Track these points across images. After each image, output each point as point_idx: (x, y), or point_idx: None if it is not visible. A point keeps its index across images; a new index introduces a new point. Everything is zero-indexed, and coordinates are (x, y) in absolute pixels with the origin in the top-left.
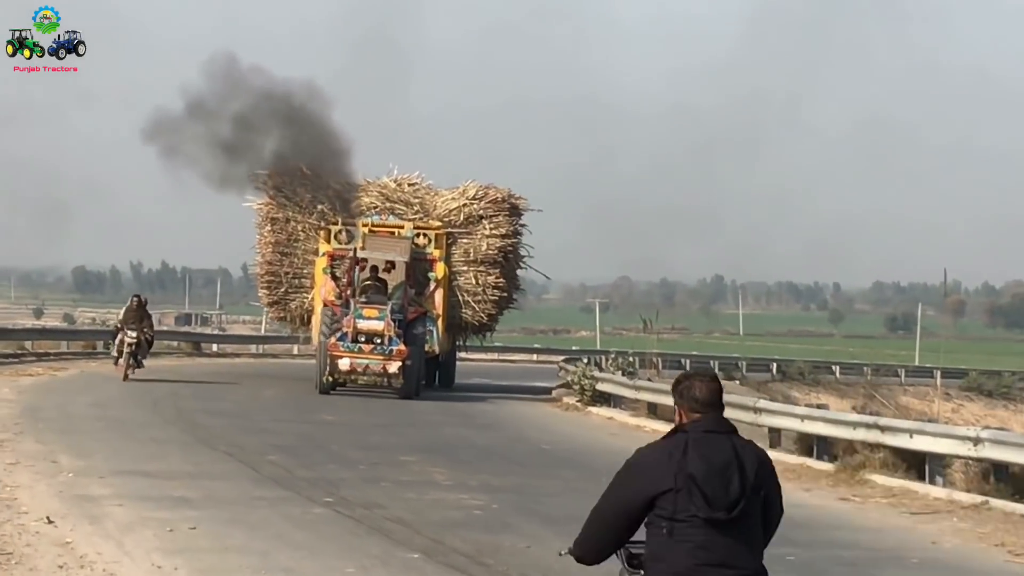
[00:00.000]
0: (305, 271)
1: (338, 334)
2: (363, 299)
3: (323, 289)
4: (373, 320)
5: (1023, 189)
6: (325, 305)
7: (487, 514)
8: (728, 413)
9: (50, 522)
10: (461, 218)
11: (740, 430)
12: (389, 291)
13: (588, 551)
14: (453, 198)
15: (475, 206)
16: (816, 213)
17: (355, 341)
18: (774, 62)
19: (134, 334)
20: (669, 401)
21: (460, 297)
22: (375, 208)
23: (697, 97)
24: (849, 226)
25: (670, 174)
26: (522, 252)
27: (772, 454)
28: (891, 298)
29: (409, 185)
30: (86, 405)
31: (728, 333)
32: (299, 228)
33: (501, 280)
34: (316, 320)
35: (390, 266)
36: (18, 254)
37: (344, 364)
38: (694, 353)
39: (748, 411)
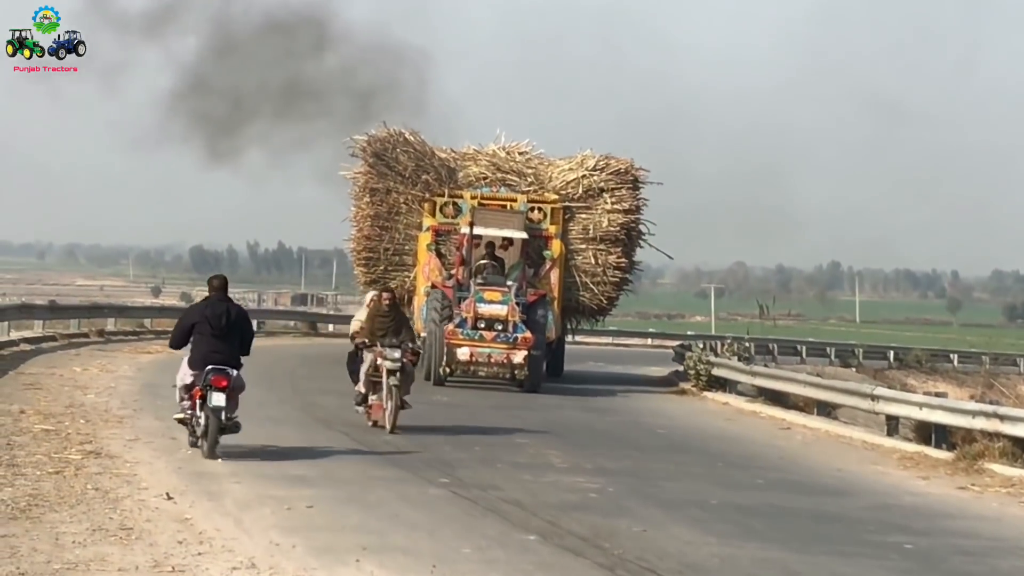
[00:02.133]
0: (407, 247)
1: (456, 319)
2: (480, 280)
3: (426, 268)
4: (496, 304)
5: None
6: (433, 286)
7: (603, 497)
8: (844, 400)
9: (169, 498)
10: (580, 191)
11: (856, 417)
12: (506, 271)
13: (175, 342)
14: (571, 168)
15: (595, 178)
16: (939, 198)
17: (475, 328)
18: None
19: (397, 355)
20: (786, 387)
21: (578, 278)
22: (484, 179)
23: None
24: (968, 213)
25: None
26: (642, 229)
27: (890, 442)
28: (1011, 287)
29: (520, 154)
30: None
31: (844, 320)
32: (401, 200)
33: (623, 260)
34: (419, 302)
35: (507, 243)
36: (136, 232)
37: (463, 354)
38: (810, 339)
39: (865, 398)
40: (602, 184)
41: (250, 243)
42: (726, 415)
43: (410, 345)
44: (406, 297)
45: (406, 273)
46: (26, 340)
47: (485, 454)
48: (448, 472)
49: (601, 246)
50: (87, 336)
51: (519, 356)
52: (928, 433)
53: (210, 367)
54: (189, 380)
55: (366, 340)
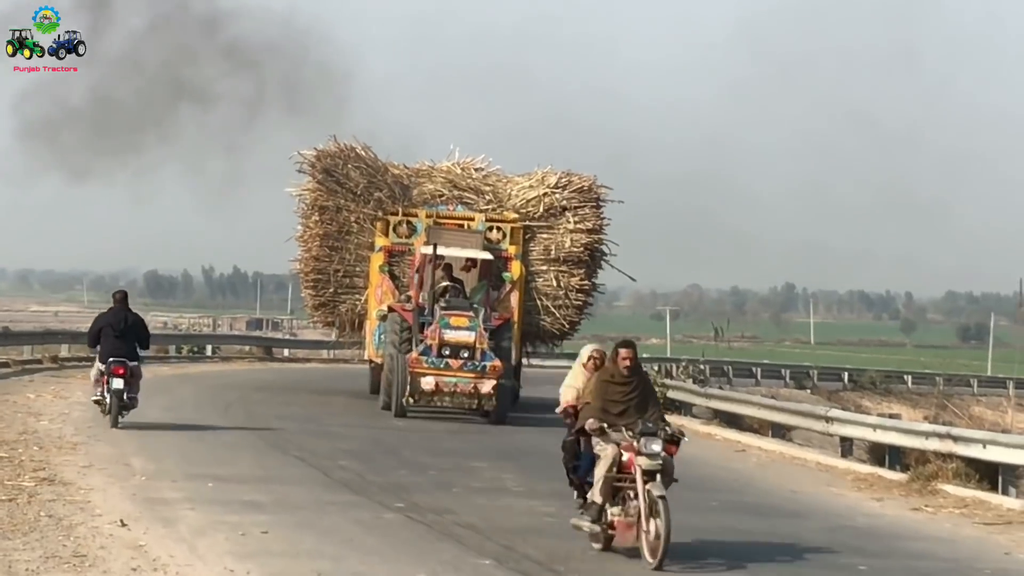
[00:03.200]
0: (358, 269)
1: (420, 347)
2: (443, 304)
3: (379, 290)
4: (463, 331)
5: None
6: (391, 310)
7: (558, 520)
8: (798, 422)
9: (123, 525)
10: (540, 209)
11: (811, 439)
12: (468, 294)
13: (89, 341)
14: (531, 186)
15: (557, 196)
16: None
17: (440, 355)
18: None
19: (656, 448)
20: (741, 410)
21: (538, 301)
22: (440, 197)
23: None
24: (924, 235)
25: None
26: (604, 249)
27: (844, 463)
28: (964, 308)
29: (476, 170)
30: (158, 408)
31: (799, 341)
32: (352, 219)
33: (586, 282)
34: (370, 326)
35: (470, 265)
36: (90, 257)
37: (428, 383)
38: (765, 361)
39: (819, 420)
40: (564, 202)
41: (205, 267)
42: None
43: (668, 430)
44: (356, 321)
45: (357, 296)
46: None
47: (440, 478)
48: (403, 497)
49: (563, 267)
50: (40, 362)
51: (487, 385)
52: (882, 454)
53: (111, 359)
54: (98, 371)
55: (600, 423)
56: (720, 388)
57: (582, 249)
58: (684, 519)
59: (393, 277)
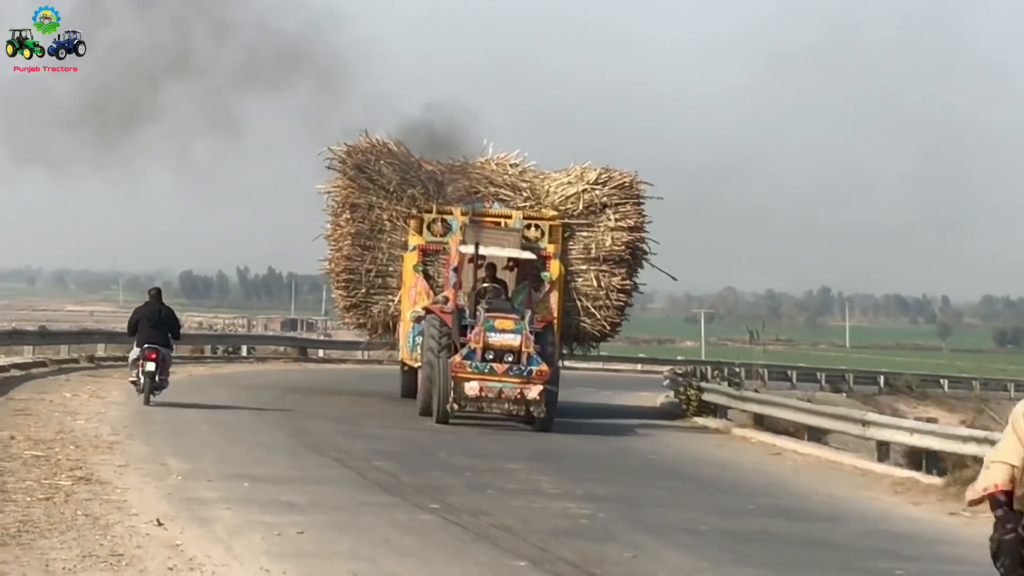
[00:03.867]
0: (391, 268)
1: (464, 351)
2: (484, 306)
3: (412, 290)
4: (508, 334)
5: None
6: (428, 311)
7: (593, 523)
8: (834, 425)
9: (160, 524)
10: (580, 206)
11: (847, 443)
12: (510, 295)
13: (129, 331)
14: (569, 182)
15: (597, 192)
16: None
17: (484, 360)
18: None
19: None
20: (776, 413)
21: (578, 302)
22: (476, 194)
23: None
24: (959, 237)
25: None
26: (645, 248)
27: (880, 467)
28: (1001, 312)
29: (511, 166)
30: (193, 410)
31: (834, 345)
32: (384, 217)
33: (627, 282)
34: (404, 328)
35: (513, 264)
36: (127, 258)
37: (472, 388)
38: (800, 364)
39: (855, 423)
40: (604, 199)
41: (240, 268)
42: (717, 441)
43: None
44: (390, 323)
45: (390, 297)
46: (16, 366)
47: (475, 480)
48: (438, 498)
49: (604, 267)
50: (77, 362)
51: (534, 391)
52: (919, 459)
53: (146, 346)
54: (135, 355)
55: None
56: (755, 391)
57: (623, 248)
58: (719, 523)
59: (427, 277)
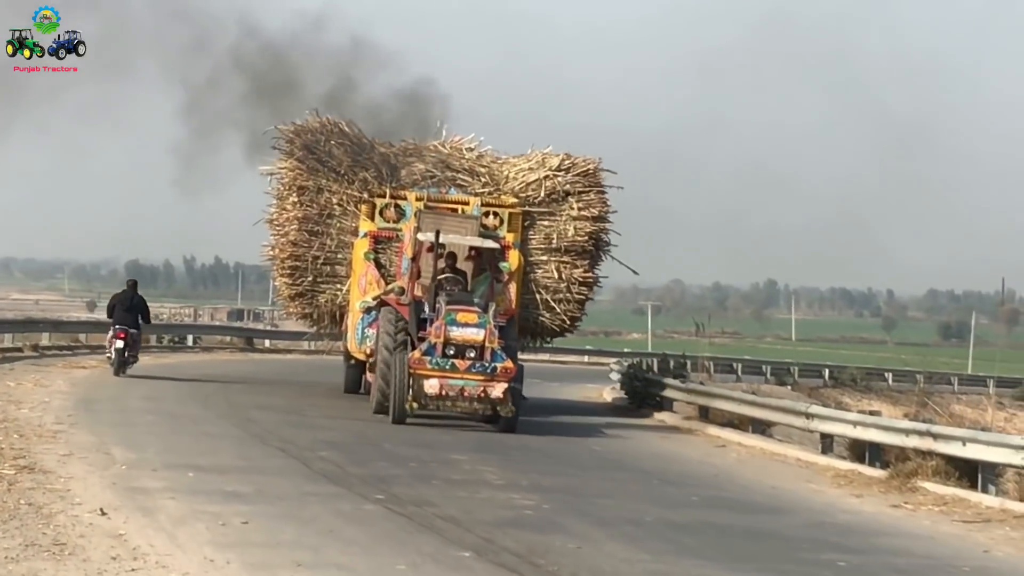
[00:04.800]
0: (340, 256)
1: (424, 346)
2: (445, 298)
3: (363, 279)
4: (471, 328)
5: None
6: (383, 303)
7: (538, 514)
8: (779, 418)
9: (103, 514)
10: (541, 194)
11: (791, 435)
12: (471, 287)
13: (108, 314)
14: (530, 168)
15: (559, 179)
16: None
17: (445, 356)
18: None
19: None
20: (721, 405)
21: (537, 295)
22: (432, 178)
23: None
24: (908, 231)
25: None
26: (607, 239)
27: (824, 459)
28: (945, 306)
29: (467, 150)
30: (139, 398)
31: (780, 338)
32: (335, 201)
33: (589, 275)
34: (353, 319)
35: (474, 254)
36: (72, 246)
37: (432, 387)
38: (746, 357)
39: (800, 416)
40: (567, 187)
41: (187, 258)
42: (662, 433)
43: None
44: (337, 314)
45: (338, 286)
46: None
47: (420, 470)
48: (383, 488)
49: (565, 258)
50: (21, 351)
51: (498, 389)
52: (862, 451)
53: (117, 326)
54: (111, 335)
55: None
56: (701, 383)
57: (586, 238)
58: (663, 514)
59: (379, 266)
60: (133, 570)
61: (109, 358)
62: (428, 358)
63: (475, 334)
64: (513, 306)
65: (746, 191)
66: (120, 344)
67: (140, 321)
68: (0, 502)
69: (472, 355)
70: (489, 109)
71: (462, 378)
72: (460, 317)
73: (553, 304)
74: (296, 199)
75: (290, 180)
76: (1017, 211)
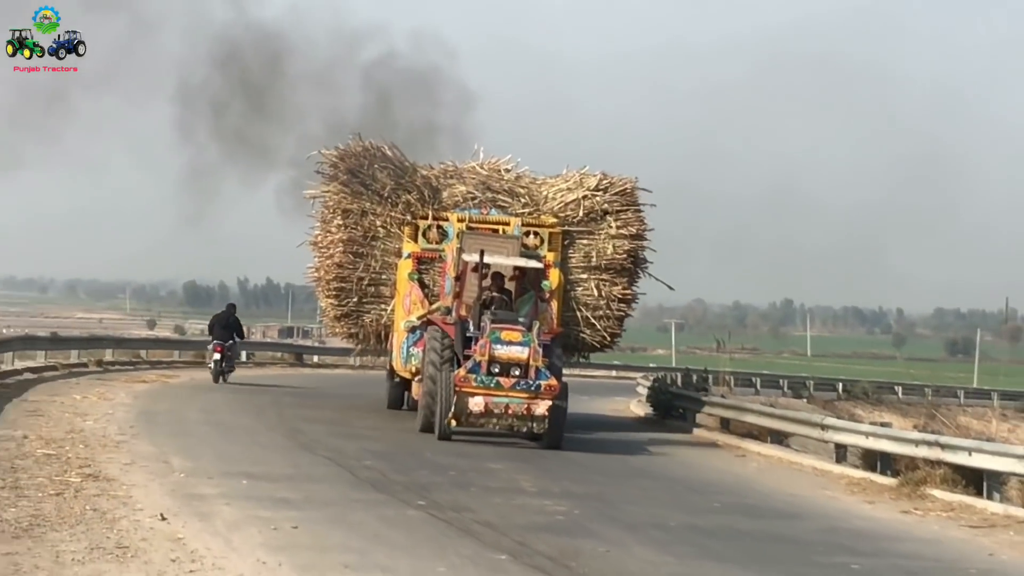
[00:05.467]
0: (384, 277)
1: (469, 364)
2: (490, 317)
3: (407, 299)
4: (515, 346)
5: None
6: (430, 322)
7: (569, 519)
8: (796, 429)
9: (163, 519)
10: (580, 213)
11: (807, 445)
12: (515, 306)
13: (209, 331)
14: (568, 188)
15: (598, 199)
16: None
17: (490, 373)
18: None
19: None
20: (742, 417)
21: (578, 312)
22: (473, 200)
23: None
24: (914, 253)
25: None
26: (645, 257)
27: (838, 468)
28: (951, 323)
29: (505, 171)
30: (195, 410)
31: (796, 354)
32: (378, 223)
33: (628, 292)
34: (398, 339)
35: (519, 274)
36: (133, 268)
37: (477, 404)
38: (764, 372)
39: (815, 427)
40: (605, 206)
41: (240, 279)
42: (686, 443)
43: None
44: (382, 333)
45: (382, 306)
46: (29, 369)
47: (459, 478)
48: (424, 495)
49: (604, 276)
50: (86, 366)
51: (542, 407)
52: (874, 460)
53: (216, 341)
54: (210, 348)
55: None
56: (722, 397)
57: (624, 256)
58: (686, 519)
59: (423, 285)
60: (191, 572)
61: (209, 369)
62: (473, 376)
63: (519, 352)
64: (555, 324)
65: (764, 215)
66: (218, 356)
67: (235, 337)
68: (67, 508)
69: (517, 373)
70: (502, 136)
71: (507, 396)
72: (505, 335)
73: (594, 321)
74: (341, 222)
75: (335, 203)
76: (1020, 234)
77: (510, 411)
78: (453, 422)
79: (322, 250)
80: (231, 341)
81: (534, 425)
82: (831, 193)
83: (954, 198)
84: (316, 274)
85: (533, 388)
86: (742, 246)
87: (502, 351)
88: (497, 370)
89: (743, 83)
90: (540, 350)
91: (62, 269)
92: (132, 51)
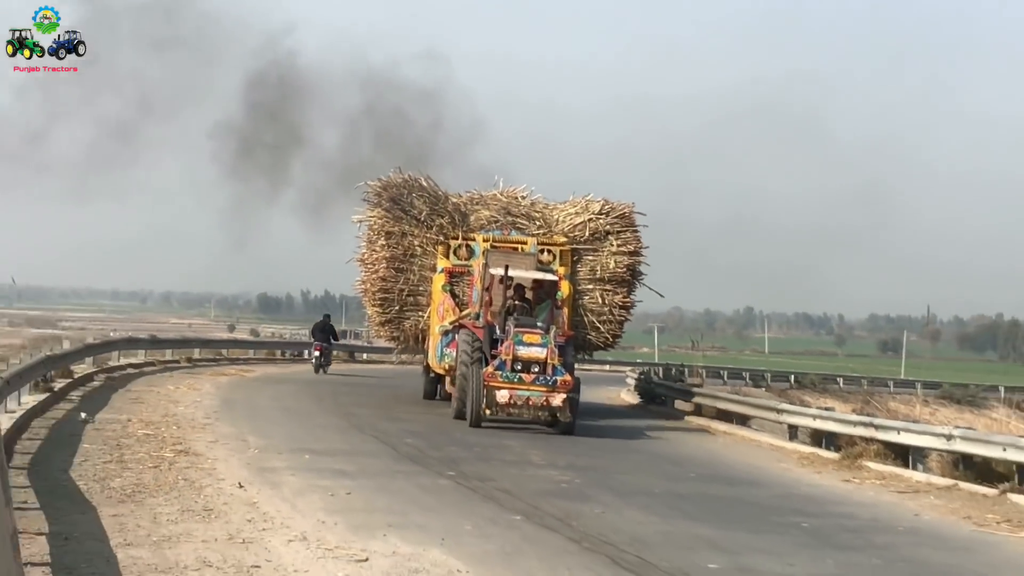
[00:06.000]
0: (421, 288)
1: (496, 362)
2: (514, 322)
3: (440, 307)
4: (535, 347)
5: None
6: (462, 326)
7: (572, 487)
8: (756, 413)
9: (241, 487)
10: (586, 233)
11: (765, 426)
12: (535, 312)
13: (311, 335)
14: (576, 212)
15: (601, 221)
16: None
17: (513, 370)
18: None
19: None
20: (711, 403)
21: (585, 317)
22: (496, 222)
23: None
24: (852, 269)
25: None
26: (641, 270)
27: (791, 445)
28: (883, 327)
29: (522, 198)
30: (267, 398)
31: (756, 352)
32: (416, 243)
33: (628, 300)
34: (433, 340)
35: (537, 286)
36: (217, 281)
37: (503, 396)
38: (730, 366)
39: (772, 411)
40: (607, 227)
41: (303, 291)
42: (667, 424)
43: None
44: (420, 336)
45: (420, 313)
46: (132, 365)
47: (482, 454)
48: (454, 467)
49: (607, 287)
50: (178, 362)
51: (558, 399)
52: (820, 438)
53: (317, 343)
54: (312, 347)
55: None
56: (696, 386)
57: (624, 270)
58: (668, 486)
59: (453, 296)
60: (264, 529)
61: (312, 363)
62: (499, 372)
63: (539, 352)
64: (567, 328)
65: (728, 237)
66: (317, 354)
67: (332, 340)
68: (163, 478)
69: (536, 370)
70: (497, 165)
71: (528, 389)
72: (526, 338)
73: (599, 325)
74: (384, 242)
75: (379, 226)
76: (940, 254)
77: (531, 402)
78: (487, 412)
79: (368, 266)
80: (327, 343)
81: (552, 414)
82: (783, 218)
83: (886, 223)
84: (363, 286)
85: (550, 383)
86: (711, 262)
87: (524, 351)
88: (520, 367)
89: (708, 128)
90: (556, 350)
91: (160, 282)
92: (189, 87)
